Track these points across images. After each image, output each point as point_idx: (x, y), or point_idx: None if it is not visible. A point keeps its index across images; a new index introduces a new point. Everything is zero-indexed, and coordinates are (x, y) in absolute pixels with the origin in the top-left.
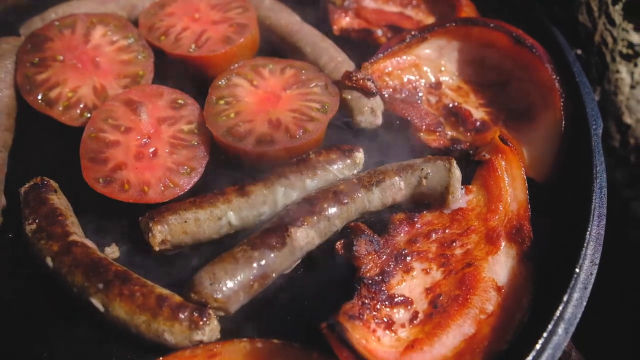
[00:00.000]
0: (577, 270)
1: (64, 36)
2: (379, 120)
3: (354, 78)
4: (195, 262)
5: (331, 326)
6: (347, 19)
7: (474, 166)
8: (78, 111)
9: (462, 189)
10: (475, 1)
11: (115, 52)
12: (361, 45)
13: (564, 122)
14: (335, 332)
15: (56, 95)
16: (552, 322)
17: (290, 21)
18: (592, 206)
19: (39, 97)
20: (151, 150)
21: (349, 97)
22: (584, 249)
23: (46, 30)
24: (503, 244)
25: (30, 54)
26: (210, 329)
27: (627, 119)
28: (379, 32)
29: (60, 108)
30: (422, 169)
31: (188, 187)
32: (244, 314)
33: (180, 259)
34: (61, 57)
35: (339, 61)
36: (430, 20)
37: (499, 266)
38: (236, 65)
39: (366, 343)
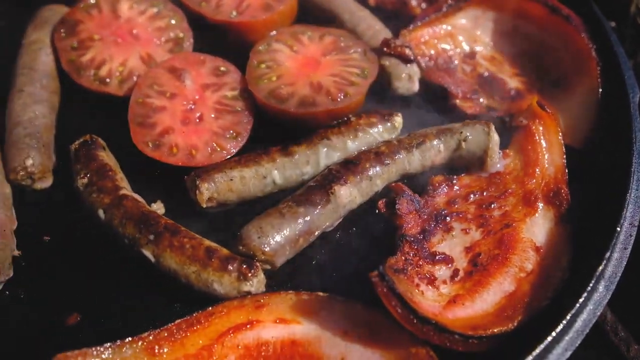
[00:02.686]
0: (618, 229)
1: (92, 16)
2: (415, 87)
3: (392, 45)
4: (237, 220)
5: (381, 275)
6: None
7: (508, 132)
8: (133, 83)
9: (499, 153)
10: None
11: (149, 20)
12: (396, 16)
13: (600, 90)
14: (385, 281)
15: (107, 72)
16: (594, 279)
17: None
18: (632, 169)
19: (92, 78)
20: (197, 115)
21: (387, 63)
22: (624, 209)
23: (73, 15)
24: (540, 206)
25: (67, 39)
26: (258, 281)
27: None
28: (414, 3)
29: (116, 83)
30: (462, 133)
31: (234, 151)
32: (288, 269)
33: (221, 216)
34: (97, 36)
35: (377, 29)
36: None
37: (537, 227)
38: (275, 32)
39: (411, 295)
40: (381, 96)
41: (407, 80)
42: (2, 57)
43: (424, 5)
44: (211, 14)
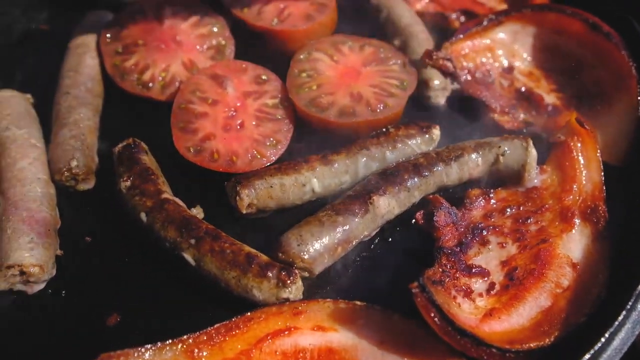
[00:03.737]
0: None
1: (137, 22)
2: (442, 99)
3: (435, 57)
4: (274, 226)
5: (421, 286)
6: (423, 2)
7: (546, 148)
8: (175, 89)
9: (537, 168)
10: None
11: (191, 28)
12: (434, 29)
13: None
14: (425, 293)
15: (149, 77)
16: (633, 298)
17: None
18: None
19: (135, 82)
20: (238, 122)
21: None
22: None
23: (119, 20)
24: (577, 222)
25: (112, 44)
26: (296, 288)
27: None
28: (453, 16)
29: (158, 88)
30: (500, 147)
31: (274, 159)
32: (326, 277)
33: (258, 223)
34: (141, 42)
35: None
36: (502, 6)
37: (574, 244)
38: (315, 41)
39: (448, 307)
40: (418, 107)
41: (441, 89)
42: (49, 60)
43: (462, 18)
44: (253, 19)
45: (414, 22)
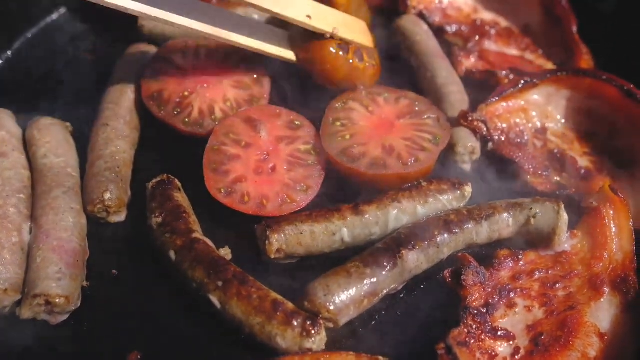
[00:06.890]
0: None
1: (178, 59)
2: (468, 165)
3: (470, 119)
4: (299, 273)
5: (448, 348)
6: (472, 60)
7: (577, 212)
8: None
9: (567, 232)
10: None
11: (231, 68)
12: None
13: None
14: (452, 355)
15: (187, 113)
16: None
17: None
18: None
19: (171, 116)
20: (270, 165)
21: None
22: None
23: (160, 54)
24: (606, 291)
25: (151, 78)
26: (320, 339)
27: None
28: (502, 74)
29: (193, 124)
30: (531, 209)
31: (305, 204)
32: (349, 328)
33: (284, 268)
34: (180, 78)
35: (465, 99)
36: (549, 65)
37: (602, 313)
38: (352, 90)
39: None
40: (451, 164)
41: (469, 153)
42: (90, 89)
43: (512, 76)
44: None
45: (450, 82)
